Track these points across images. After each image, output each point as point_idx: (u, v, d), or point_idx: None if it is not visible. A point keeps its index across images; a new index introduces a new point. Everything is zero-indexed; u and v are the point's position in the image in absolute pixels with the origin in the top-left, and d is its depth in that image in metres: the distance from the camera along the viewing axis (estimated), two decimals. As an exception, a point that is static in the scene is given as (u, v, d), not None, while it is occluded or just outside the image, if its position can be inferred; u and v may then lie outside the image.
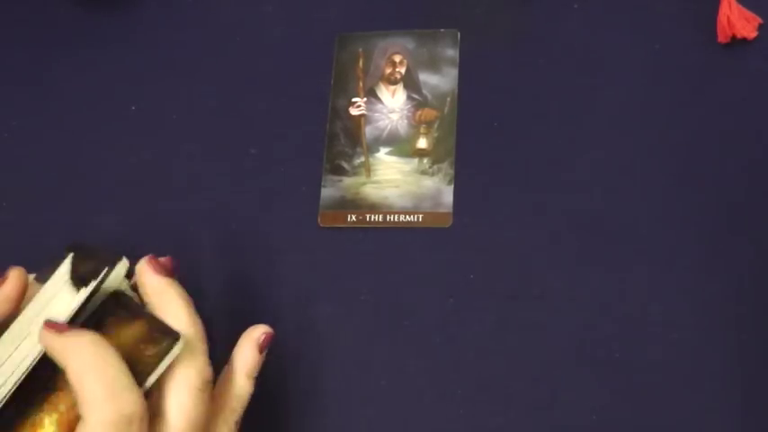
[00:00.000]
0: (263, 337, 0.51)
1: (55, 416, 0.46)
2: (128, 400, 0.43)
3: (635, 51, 0.60)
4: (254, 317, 0.57)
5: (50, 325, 0.45)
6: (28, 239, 0.61)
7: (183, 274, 0.56)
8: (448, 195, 0.58)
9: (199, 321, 0.49)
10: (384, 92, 0.62)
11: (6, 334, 0.48)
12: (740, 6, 0.58)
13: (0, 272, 0.50)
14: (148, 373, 0.46)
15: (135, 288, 0.50)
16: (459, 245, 0.57)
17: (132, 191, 0.61)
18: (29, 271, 0.50)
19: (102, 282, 0.47)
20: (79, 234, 0.59)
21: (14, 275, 0.49)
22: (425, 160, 0.59)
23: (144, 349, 0.46)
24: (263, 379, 0.56)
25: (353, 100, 0.62)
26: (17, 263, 0.50)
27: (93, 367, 0.44)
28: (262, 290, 0.58)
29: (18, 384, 0.46)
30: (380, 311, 0.56)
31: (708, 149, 0.56)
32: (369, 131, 0.61)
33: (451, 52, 0.62)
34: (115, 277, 0.48)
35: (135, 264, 0.49)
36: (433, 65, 0.62)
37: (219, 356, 0.57)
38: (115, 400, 0.43)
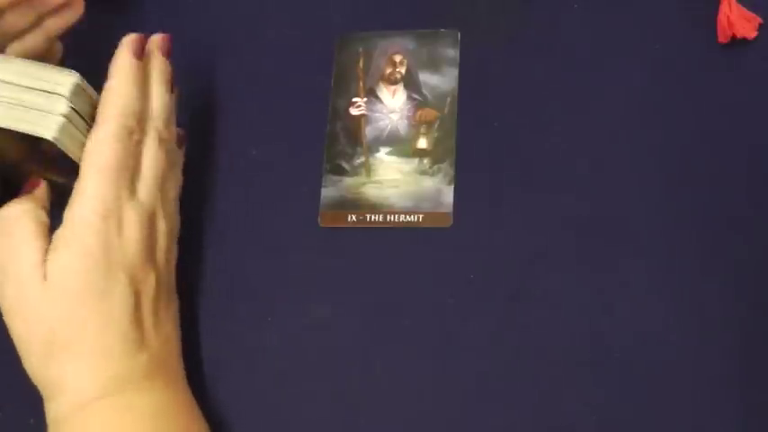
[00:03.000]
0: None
1: None
2: (130, 118, 0.52)
3: (635, 51, 0.60)
4: (254, 317, 0.57)
5: (133, 45, 0.54)
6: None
7: (183, 275, 0.56)
8: (448, 195, 0.58)
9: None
10: (384, 92, 0.62)
11: None
12: (740, 6, 0.58)
13: None
14: None
15: None
16: (459, 245, 0.57)
17: (132, 191, 0.61)
18: None
19: None
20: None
21: None
22: (425, 160, 0.59)
23: None
24: (263, 378, 0.56)
25: (354, 100, 0.62)
26: None
27: (121, 88, 0.53)
28: (262, 289, 0.58)
29: None
30: (380, 311, 0.56)
31: (707, 149, 0.56)
32: (369, 131, 0.61)
33: (452, 52, 0.62)
34: None
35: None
36: (434, 65, 0.62)
37: (219, 357, 0.57)
38: (123, 115, 0.52)
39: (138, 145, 0.53)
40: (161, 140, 0.54)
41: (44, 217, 0.52)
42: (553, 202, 0.57)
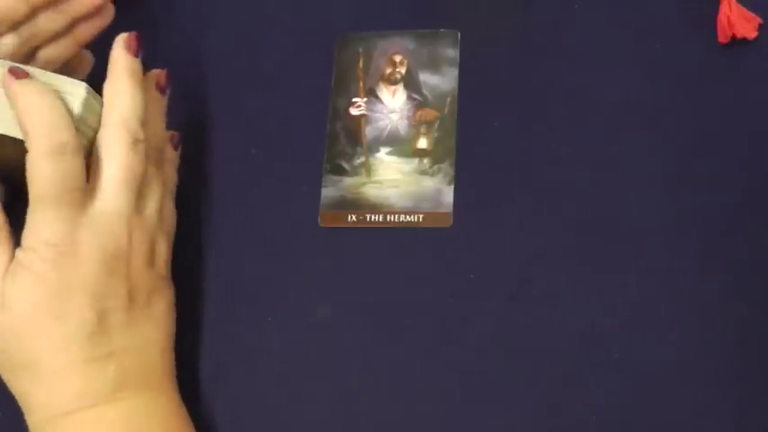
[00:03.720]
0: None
1: None
2: (62, 133, 0.49)
3: (635, 51, 0.60)
4: (254, 317, 0.57)
5: (12, 71, 0.51)
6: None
7: (182, 275, 0.56)
8: (448, 195, 0.58)
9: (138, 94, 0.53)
10: (384, 92, 0.62)
11: None
12: (740, 6, 0.58)
13: None
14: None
15: None
16: (459, 245, 0.57)
17: (132, 191, 0.61)
18: None
19: None
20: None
21: None
22: (425, 160, 0.59)
23: None
24: (264, 378, 0.56)
25: (354, 100, 0.62)
26: None
27: (36, 108, 0.50)
28: (262, 290, 0.58)
29: None
30: (380, 311, 0.56)
31: (707, 149, 0.56)
32: (369, 131, 0.61)
33: (451, 52, 0.62)
34: None
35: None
36: (434, 65, 0.62)
37: (220, 357, 0.57)
38: (51, 134, 0.49)
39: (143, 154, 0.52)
40: (135, 141, 0.52)
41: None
42: (553, 203, 0.57)
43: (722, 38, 0.58)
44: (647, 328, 0.53)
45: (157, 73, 0.57)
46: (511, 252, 0.56)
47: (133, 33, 0.55)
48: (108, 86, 0.53)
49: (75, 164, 0.50)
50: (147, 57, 0.55)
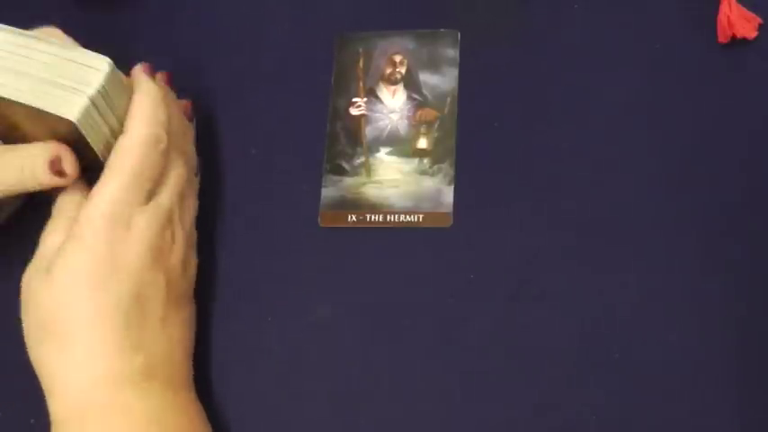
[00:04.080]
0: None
1: None
2: (161, 129, 0.53)
3: (635, 51, 0.60)
4: (254, 317, 0.57)
5: (145, 68, 0.55)
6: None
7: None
8: (448, 195, 0.58)
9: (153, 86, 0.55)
10: (384, 92, 0.62)
11: None
12: (740, 6, 0.58)
13: None
14: None
15: None
16: (459, 245, 0.57)
17: (132, 191, 0.61)
18: None
19: None
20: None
21: None
22: (425, 160, 0.59)
23: None
24: (263, 378, 0.56)
25: (354, 100, 0.62)
26: None
27: (149, 101, 0.53)
28: (262, 289, 0.58)
29: None
30: (380, 311, 0.56)
31: (707, 149, 0.56)
32: (369, 131, 0.61)
33: (451, 52, 0.62)
34: None
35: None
36: (434, 65, 0.62)
37: (219, 356, 0.57)
38: (155, 125, 0.53)
39: (165, 156, 0.54)
40: (184, 154, 0.56)
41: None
42: (553, 202, 0.57)
43: (722, 38, 0.58)
44: (647, 328, 0.53)
45: (185, 103, 0.59)
46: (511, 252, 0.56)
47: (147, 64, 0.56)
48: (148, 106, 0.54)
49: (161, 160, 0.53)
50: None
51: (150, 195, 0.53)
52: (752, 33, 0.58)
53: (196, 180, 0.59)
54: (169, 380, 0.52)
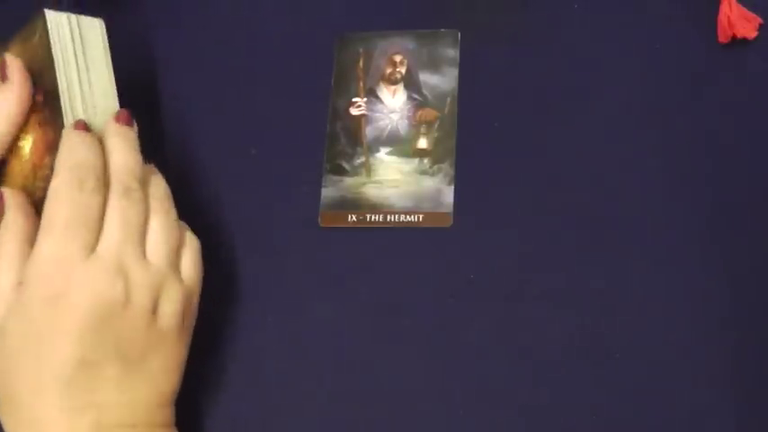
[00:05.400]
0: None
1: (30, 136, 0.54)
2: (89, 171, 0.50)
3: (635, 51, 0.60)
4: (254, 317, 0.57)
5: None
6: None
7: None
8: (448, 195, 0.58)
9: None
10: (384, 92, 0.62)
11: None
12: (740, 6, 0.58)
13: None
14: None
15: None
16: (459, 245, 0.57)
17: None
18: None
19: None
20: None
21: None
22: (426, 160, 0.59)
23: None
24: (263, 378, 0.56)
25: (354, 100, 0.62)
26: None
27: (74, 144, 0.51)
28: (262, 290, 0.58)
29: None
30: (381, 311, 0.56)
31: (707, 149, 0.56)
32: (369, 131, 0.61)
33: (452, 52, 0.62)
34: None
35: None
36: (434, 65, 0.62)
37: (219, 356, 0.57)
38: (78, 167, 0.50)
39: (96, 195, 0.50)
40: (127, 190, 0.51)
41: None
42: (553, 202, 0.57)
43: (722, 38, 0.58)
44: (647, 328, 0.53)
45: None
46: (511, 252, 0.56)
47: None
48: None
49: (93, 201, 0.49)
50: (146, 59, 0.56)
51: (91, 244, 0.49)
52: (752, 33, 0.58)
53: (164, 202, 0.53)
54: (133, 427, 0.49)
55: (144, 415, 0.50)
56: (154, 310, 0.50)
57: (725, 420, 0.51)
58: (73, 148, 0.51)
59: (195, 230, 0.59)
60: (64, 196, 0.49)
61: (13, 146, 0.55)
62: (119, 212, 0.50)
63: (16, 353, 0.48)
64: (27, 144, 0.54)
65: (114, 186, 0.51)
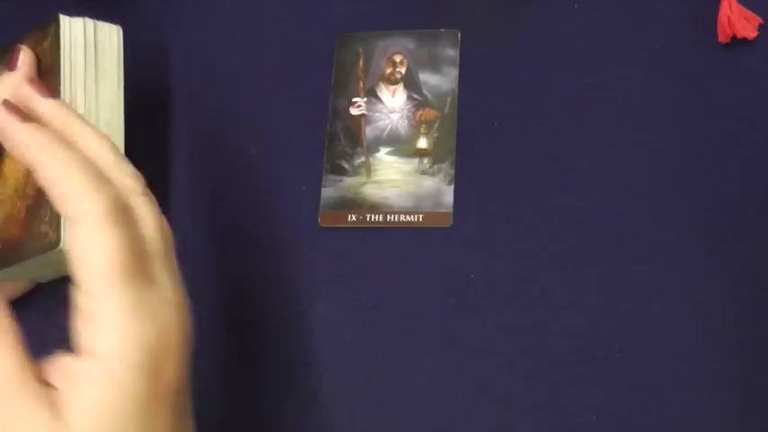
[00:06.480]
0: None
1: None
2: (118, 185, 0.40)
3: (635, 51, 0.60)
4: (254, 317, 0.57)
5: (10, 107, 0.40)
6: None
7: (183, 275, 0.56)
8: (448, 195, 0.58)
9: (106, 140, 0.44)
10: (384, 92, 0.62)
11: None
12: (740, 6, 0.58)
13: None
14: None
15: None
16: (459, 245, 0.57)
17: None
18: None
19: None
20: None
21: None
22: (426, 160, 0.59)
23: None
24: (263, 378, 0.56)
25: (354, 100, 0.62)
26: None
27: (69, 161, 0.40)
28: (262, 290, 0.58)
29: None
30: (380, 311, 0.56)
31: (707, 149, 0.56)
32: (369, 131, 0.61)
33: (452, 52, 0.62)
34: None
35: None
36: (434, 65, 0.62)
37: (218, 357, 0.57)
38: (106, 188, 0.39)
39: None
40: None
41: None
42: (553, 202, 0.57)
43: (722, 38, 0.58)
44: (647, 328, 0.53)
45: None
46: (511, 252, 0.56)
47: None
48: None
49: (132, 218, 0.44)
50: (145, 59, 0.56)
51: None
52: (752, 33, 0.58)
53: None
54: None
55: None
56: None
57: (725, 420, 0.51)
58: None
59: (195, 231, 0.59)
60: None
61: None
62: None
63: None
64: None
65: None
